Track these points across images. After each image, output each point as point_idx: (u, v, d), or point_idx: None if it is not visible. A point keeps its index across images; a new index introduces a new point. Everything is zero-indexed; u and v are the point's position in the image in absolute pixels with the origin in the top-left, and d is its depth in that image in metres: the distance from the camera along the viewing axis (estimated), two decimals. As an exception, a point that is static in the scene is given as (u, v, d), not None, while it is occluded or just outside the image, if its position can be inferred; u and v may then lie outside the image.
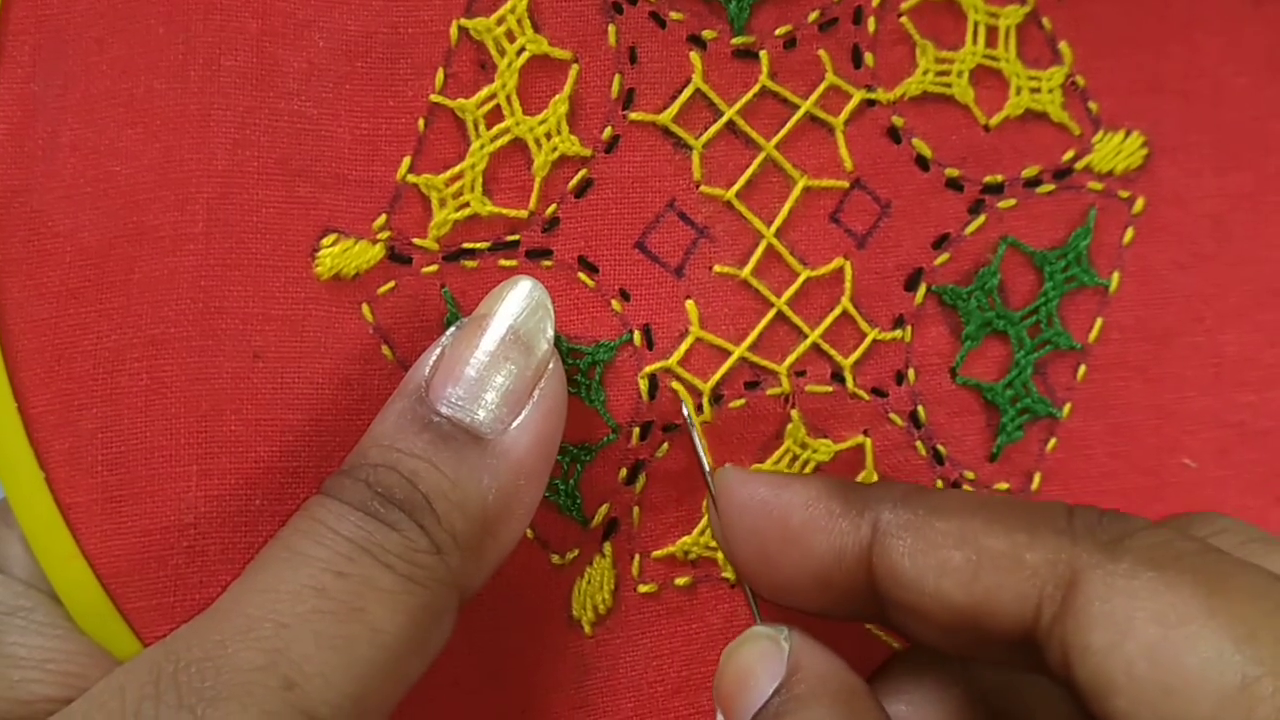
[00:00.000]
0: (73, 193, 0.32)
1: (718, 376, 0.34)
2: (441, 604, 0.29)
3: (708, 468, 0.33)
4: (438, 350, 0.31)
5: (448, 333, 0.32)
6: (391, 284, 0.33)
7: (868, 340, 0.35)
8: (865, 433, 0.35)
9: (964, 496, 0.30)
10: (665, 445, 0.34)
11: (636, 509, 0.34)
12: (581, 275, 0.34)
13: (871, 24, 0.34)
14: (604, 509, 0.34)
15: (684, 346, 0.34)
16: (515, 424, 0.31)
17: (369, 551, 0.28)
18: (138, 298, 0.32)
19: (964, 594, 0.29)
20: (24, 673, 0.30)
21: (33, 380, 0.32)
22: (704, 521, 0.35)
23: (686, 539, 0.35)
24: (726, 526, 0.32)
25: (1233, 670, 0.25)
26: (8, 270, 0.32)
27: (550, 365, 0.31)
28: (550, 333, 0.32)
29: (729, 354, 0.34)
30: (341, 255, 0.32)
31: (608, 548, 0.34)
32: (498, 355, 0.31)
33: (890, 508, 0.30)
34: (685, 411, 0.33)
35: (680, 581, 0.35)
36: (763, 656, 0.31)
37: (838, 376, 0.35)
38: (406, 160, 0.33)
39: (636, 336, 0.34)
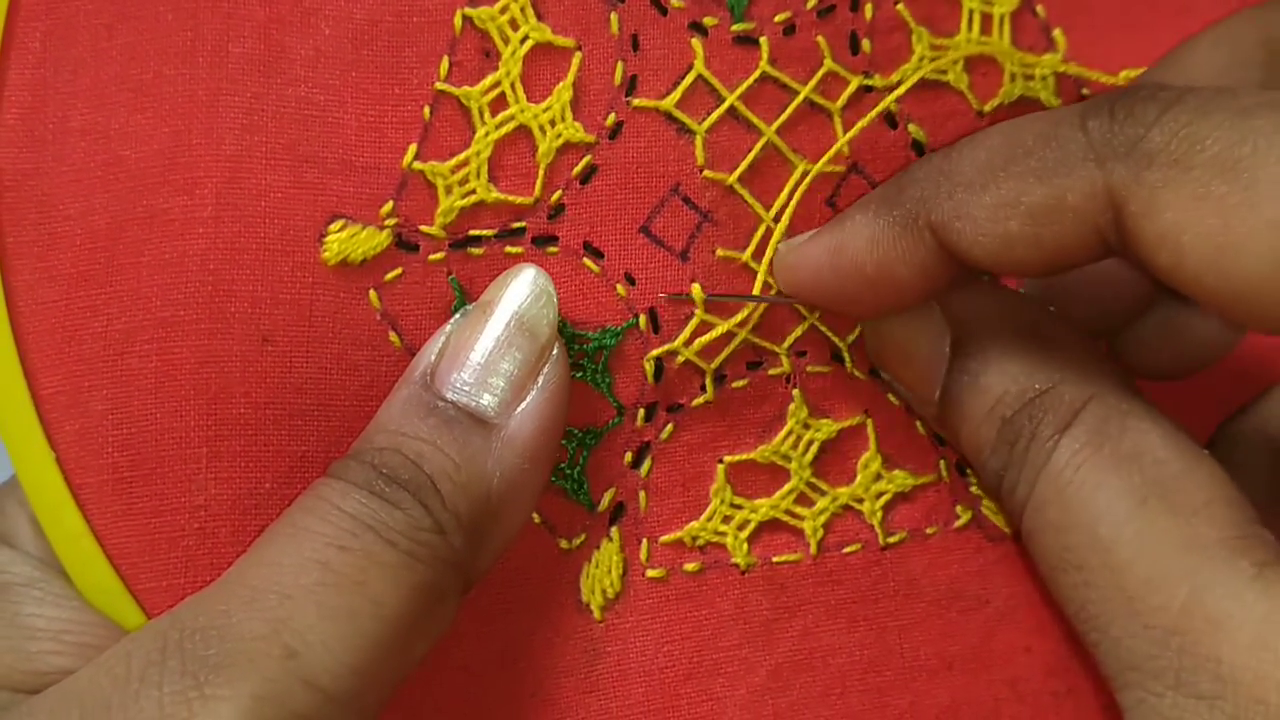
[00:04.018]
0: (82, 177, 0.32)
1: (721, 357, 0.34)
2: (444, 584, 0.30)
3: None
4: (442, 337, 0.32)
5: (452, 320, 0.32)
6: (398, 271, 0.33)
7: None
8: (866, 412, 0.35)
9: (985, 151, 0.30)
10: (670, 426, 0.34)
11: (643, 493, 0.34)
12: (587, 261, 0.34)
13: (868, 11, 0.35)
14: (610, 493, 0.34)
15: (688, 329, 0.34)
16: (520, 409, 0.31)
17: (372, 528, 0.29)
18: (147, 281, 0.32)
19: (1038, 254, 0.29)
20: (40, 644, 0.30)
21: (43, 362, 0.32)
22: (711, 508, 0.35)
23: (694, 524, 0.35)
24: (795, 288, 0.34)
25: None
26: (18, 253, 0.32)
27: (554, 351, 0.32)
28: (554, 319, 0.32)
29: (732, 335, 0.34)
30: (348, 241, 0.33)
31: (615, 532, 0.34)
32: (503, 342, 0.31)
33: (935, 205, 0.30)
34: None
35: (689, 567, 0.35)
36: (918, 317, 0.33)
37: (837, 357, 0.35)
38: (412, 148, 0.33)
39: (642, 320, 0.34)
